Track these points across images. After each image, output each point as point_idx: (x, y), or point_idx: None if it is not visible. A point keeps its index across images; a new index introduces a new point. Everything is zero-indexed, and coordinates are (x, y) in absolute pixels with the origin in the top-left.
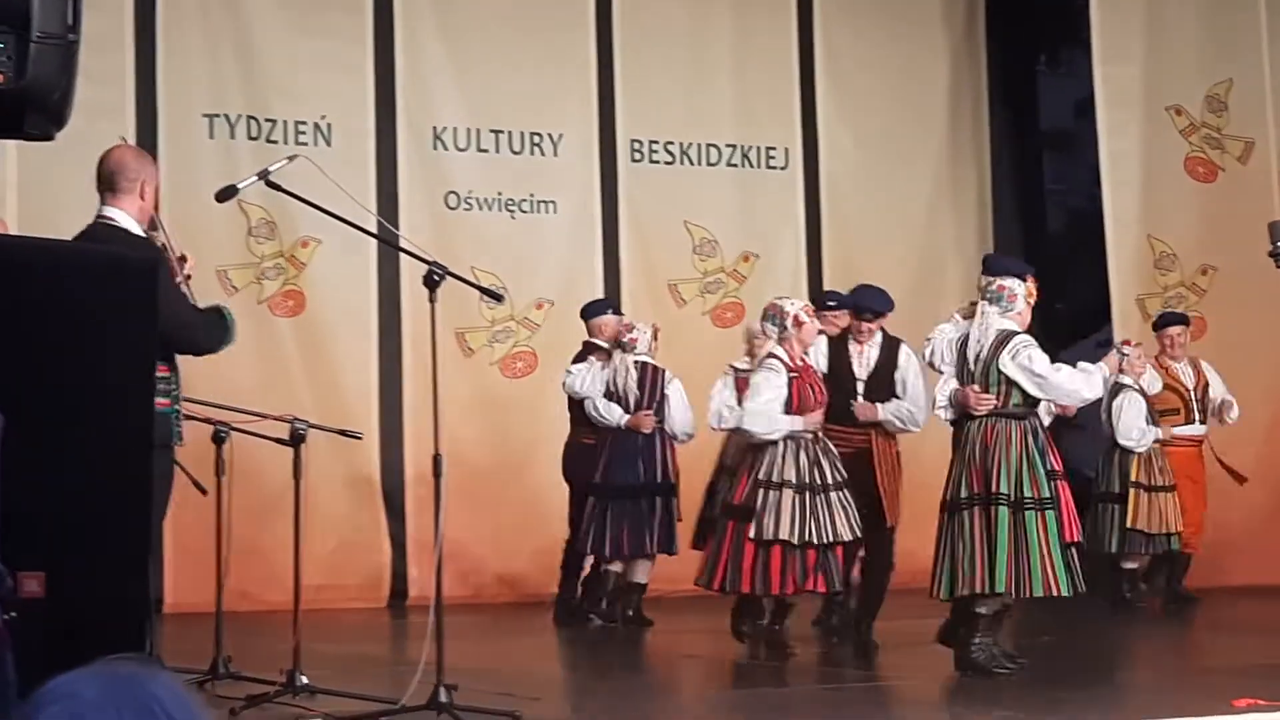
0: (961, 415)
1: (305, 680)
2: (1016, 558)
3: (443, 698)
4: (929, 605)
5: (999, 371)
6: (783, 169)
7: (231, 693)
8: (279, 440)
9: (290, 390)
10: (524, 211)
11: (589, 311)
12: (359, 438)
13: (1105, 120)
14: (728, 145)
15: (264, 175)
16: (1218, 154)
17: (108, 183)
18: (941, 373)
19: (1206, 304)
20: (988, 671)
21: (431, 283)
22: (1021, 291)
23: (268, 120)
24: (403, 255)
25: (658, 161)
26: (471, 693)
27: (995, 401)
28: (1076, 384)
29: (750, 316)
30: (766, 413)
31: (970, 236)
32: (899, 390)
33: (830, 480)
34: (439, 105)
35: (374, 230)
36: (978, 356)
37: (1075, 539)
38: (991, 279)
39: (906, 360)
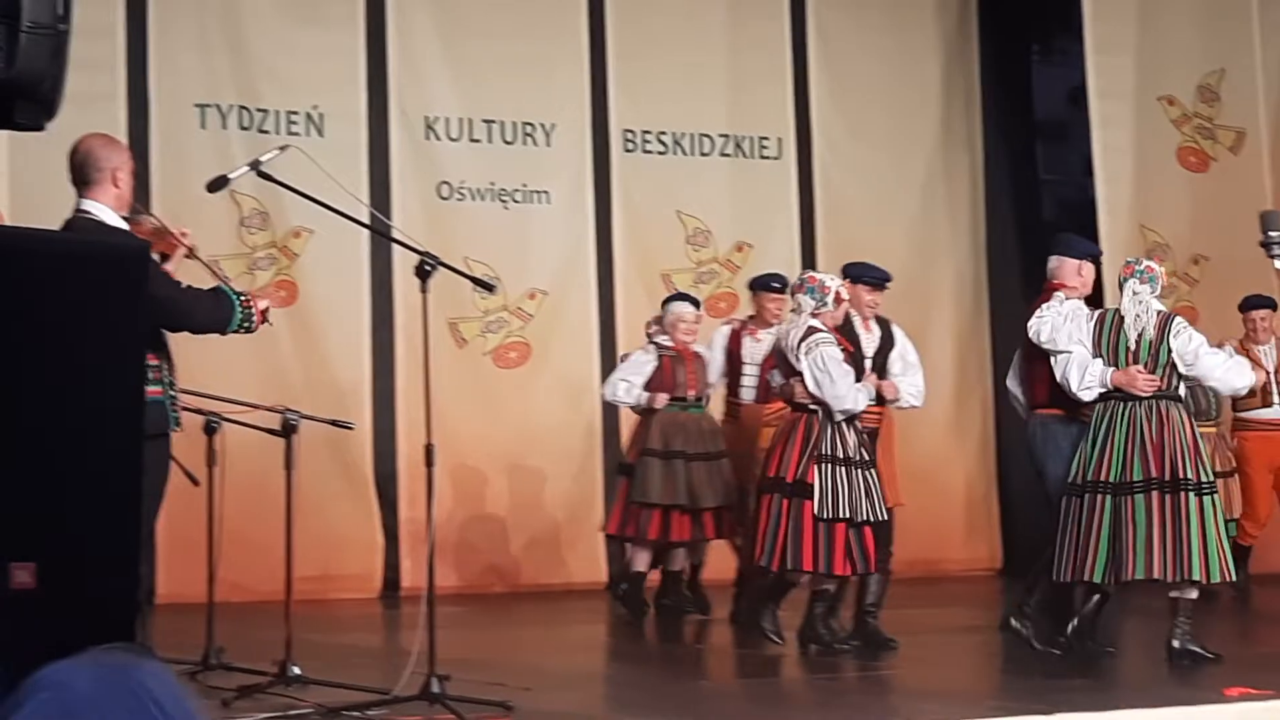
0: (1109, 395)
1: (297, 671)
2: (1206, 543)
3: (435, 688)
4: (913, 592)
5: (1166, 353)
6: (776, 159)
7: (223, 683)
8: (271, 431)
9: (283, 381)
10: (517, 202)
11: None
12: (351, 428)
13: (1097, 110)
14: (721, 135)
15: (255, 165)
16: (1210, 144)
17: (79, 175)
18: (1063, 352)
19: (1198, 294)
20: (1195, 655)
21: (423, 273)
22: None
23: (259, 110)
24: (395, 245)
25: (651, 151)
26: (463, 683)
27: (1160, 383)
28: (1229, 371)
29: (746, 305)
30: (854, 387)
31: (963, 226)
32: (896, 368)
33: (870, 457)
34: (432, 95)
35: (366, 221)
36: (1140, 337)
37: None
38: (1139, 260)
39: (903, 338)
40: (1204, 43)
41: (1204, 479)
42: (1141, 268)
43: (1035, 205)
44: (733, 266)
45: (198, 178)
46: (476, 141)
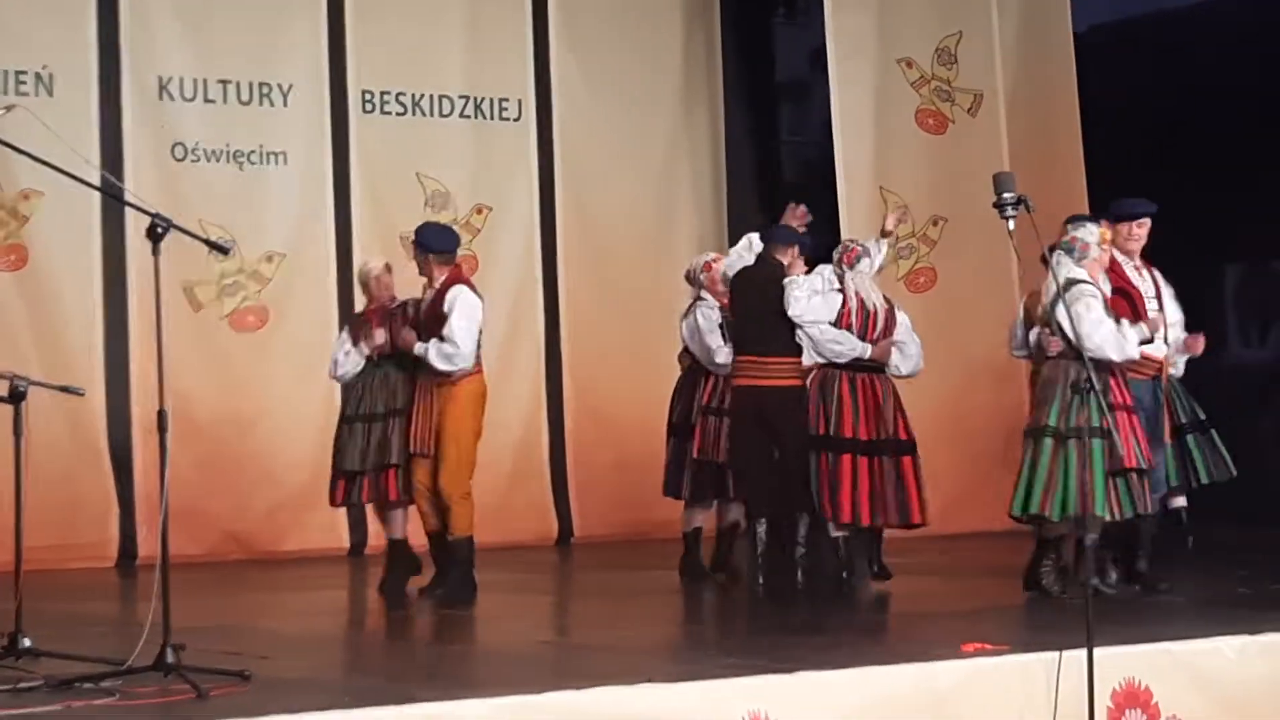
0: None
1: (28, 643)
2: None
3: (169, 658)
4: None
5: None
6: (516, 120)
7: None
8: None
9: (13, 346)
10: (253, 163)
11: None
12: (81, 394)
13: (837, 71)
14: (461, 96)
15: None
16: (948, 106)
17: None
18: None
19: (937, 255)
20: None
21: (155, 235)
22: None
23: None
24: (128, 208)
25: (389, 113)
26: (200, 653)
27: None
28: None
29: (484, 267)
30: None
31: (705, 187)
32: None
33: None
34: (165, 55)
35: (97, 183)
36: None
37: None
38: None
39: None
40: (942, 6)
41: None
42: (1066, 239)
43: (776, 166)
44: (472, 229)
45: None
46: (211, 102)
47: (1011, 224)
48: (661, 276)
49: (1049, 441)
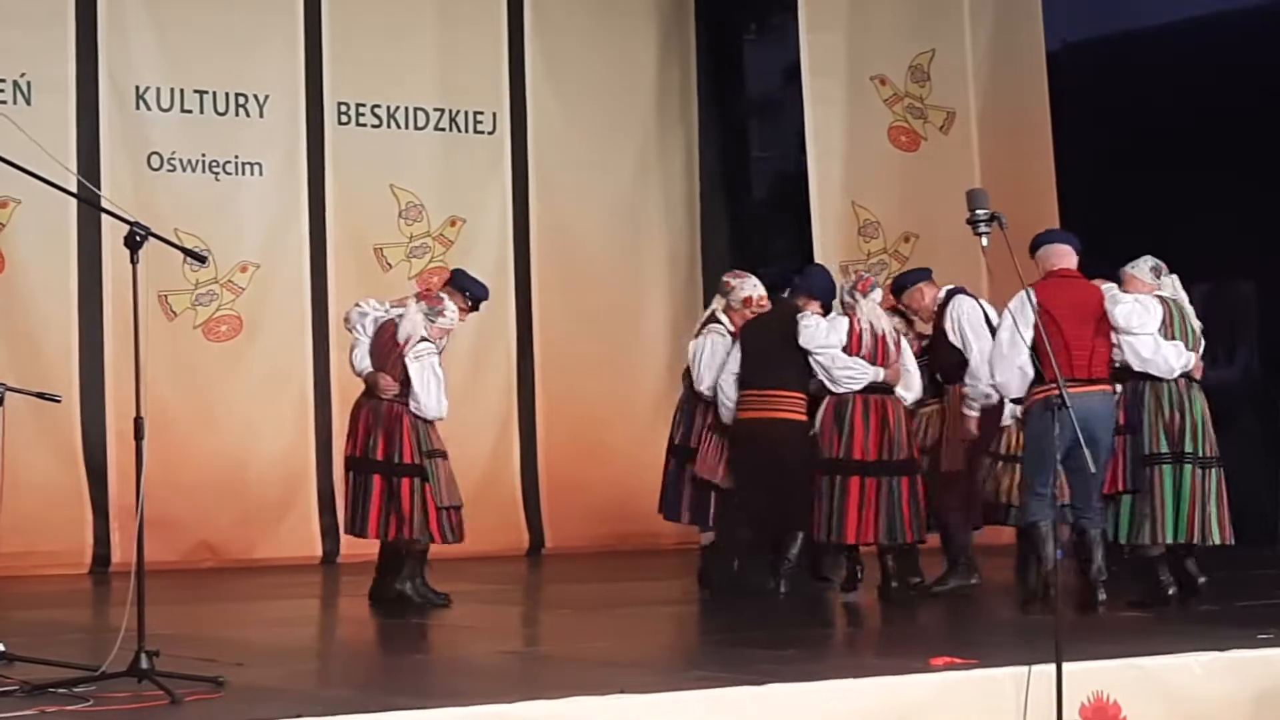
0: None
1: (2, 648)
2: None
3: (144, 664)
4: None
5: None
6: (490, 133)
7: None
8: None
9: None
10: (228, 173)
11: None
12: (57, 400)
13: (810, 88)
14: (435, 109)
15: None
16: (920, 123)
17: None
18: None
19: None
20: None
21: (133, 243)
22: None
23: None
24: (105, 216)
25: (364, 124)
26: (174, 659)
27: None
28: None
29: None
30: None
31: (678, 201)
32: None
33: None
34: (142, 64)
35: (74, 190)
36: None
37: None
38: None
39: None
40: (915, 24)
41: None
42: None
43: (748, 182)
44: (445, 241)
45: None
46: (188, 112)
47: (985, 240)
48: (634, 289)
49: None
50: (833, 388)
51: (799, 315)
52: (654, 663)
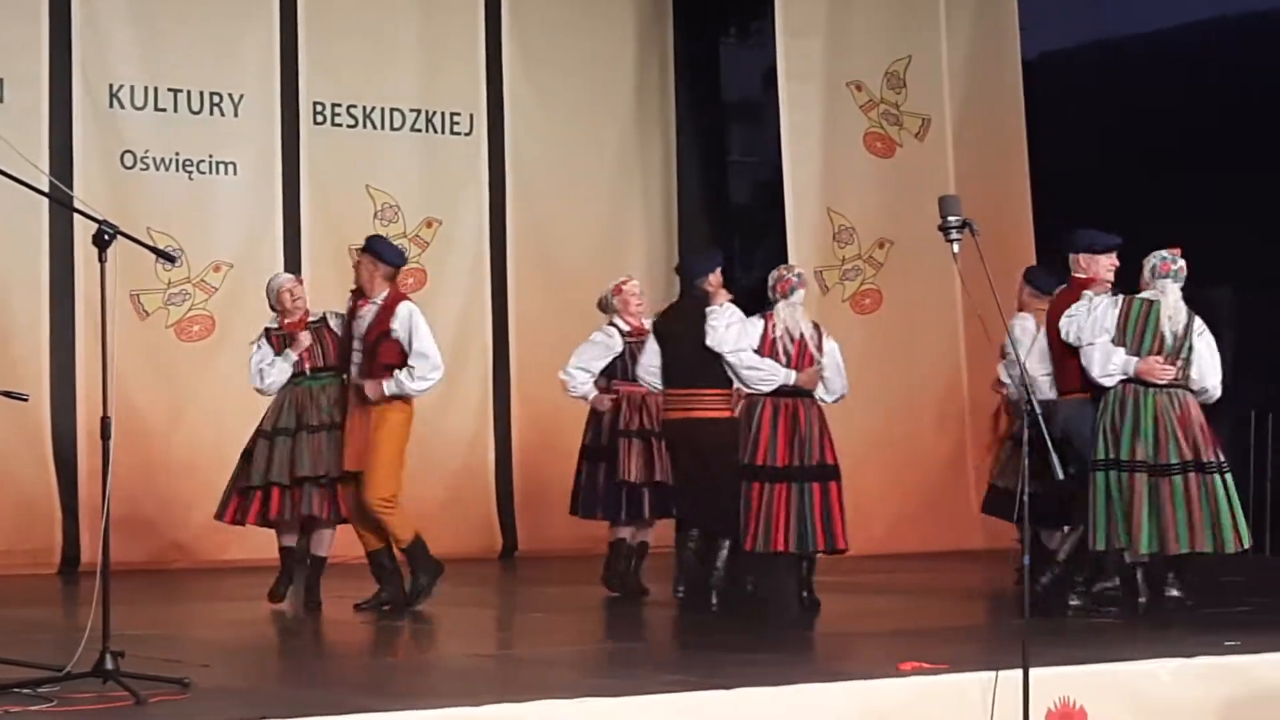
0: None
1: None
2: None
3: (109, 665)
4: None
5: (1190, 348)
6: (467, 135)
7: None
8: None
9: None
10: (202, 173)
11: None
12: (25, 399)
13: (787, 93)
14: (412, 110)
15: None
16: (896, 130)
17: None
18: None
19: (882, 277)
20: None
21: (101, 242)
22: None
23: None
24: (77, 215)
25: (340, 125)
26: (140, 660)
27: (1177, 374)
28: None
29: (433, 281)
30: None
31: (656, 204)
32: None
33: None
34: (116, 62)
35: (45, 189)
36: (1174, 332)
37: None
38: (1175, 259)
39: None
40: (892, 30)
41: (1221, 460)
42: (1176, 267)
43: (726, 186)
44: (421, 242)
45: None
46: (162, 111)
47: (956, 247)
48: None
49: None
50: (742, 387)
51: (708, 310)
52: (624, 666)
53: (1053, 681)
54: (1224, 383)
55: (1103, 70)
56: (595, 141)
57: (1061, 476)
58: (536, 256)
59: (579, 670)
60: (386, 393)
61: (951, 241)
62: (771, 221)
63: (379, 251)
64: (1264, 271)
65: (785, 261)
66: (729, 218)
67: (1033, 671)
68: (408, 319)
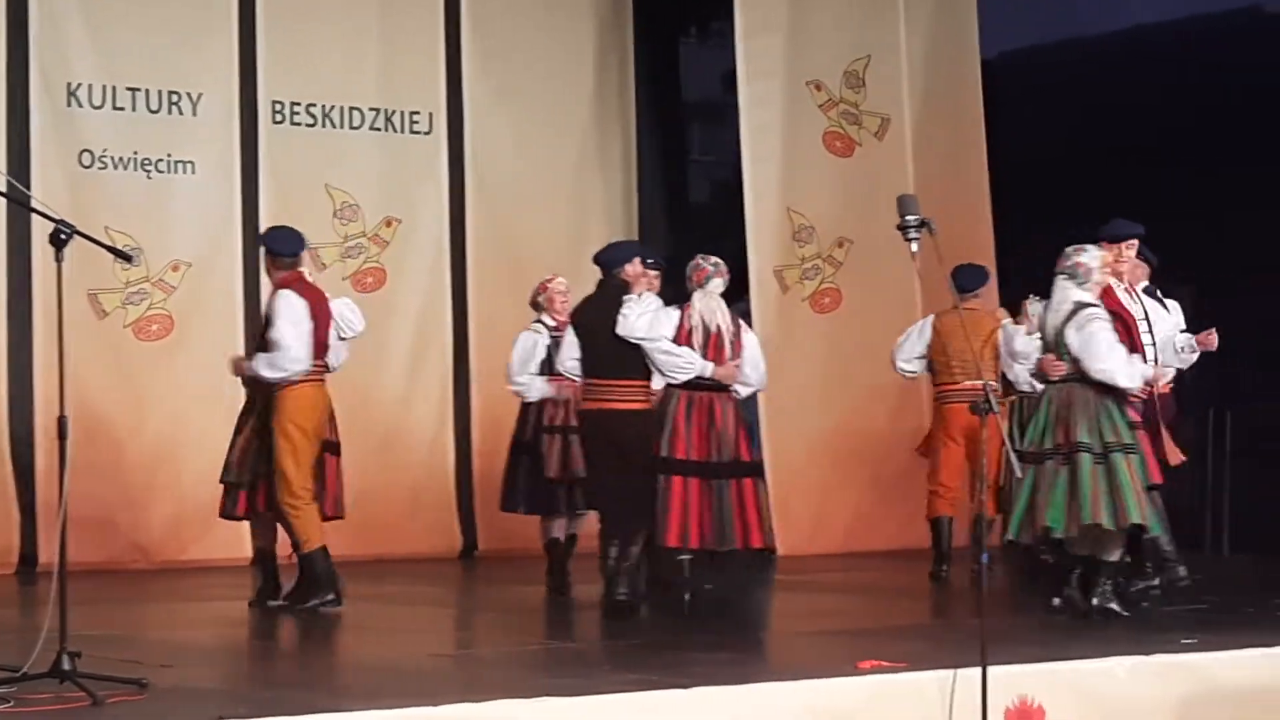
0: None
1: None
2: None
3: (66, 665)
4: None
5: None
6: (427, 133)
7: None
8: None
9: None
10: (160, 172)
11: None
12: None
13: (746, 92)
14: (371, 109)
15: None
16: (855, 129)
17: None
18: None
19: (842, 276)
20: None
21: (58, 241)
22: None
23: None
24: (34, 214)
25: (300, 124)
26: (99, 660)
27: (1064, 368)
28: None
29: (393, 279)
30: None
31: (616, 203)
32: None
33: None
34: (74, 60)
35: (1, 187)
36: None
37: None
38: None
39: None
40: (851, 29)
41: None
42: (1070, 263)
43: (686, 185)
44: (380, 241)
45: None
46: (120, 109)
47: (915, 246)
48: (572, 291)
49: (1087, 458)
50: (658, 377)
51: (624, 299)
52: (584, 665)
53: (1011, 679)
54: (1181, 376)
55: (1062, 69)
56: (555, 141)
57: (1020, 475)
58: (496, 255)
59: (539, 670)
60: (247, 372)
61: (910, 240)
62: (731, 220)
63: (266, 243)
64: (1221, 270)
65: (746, 261)
66: (689, 216)
67: (991, 670)
68: (272, 304)
